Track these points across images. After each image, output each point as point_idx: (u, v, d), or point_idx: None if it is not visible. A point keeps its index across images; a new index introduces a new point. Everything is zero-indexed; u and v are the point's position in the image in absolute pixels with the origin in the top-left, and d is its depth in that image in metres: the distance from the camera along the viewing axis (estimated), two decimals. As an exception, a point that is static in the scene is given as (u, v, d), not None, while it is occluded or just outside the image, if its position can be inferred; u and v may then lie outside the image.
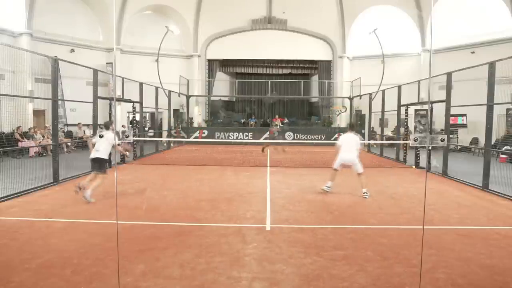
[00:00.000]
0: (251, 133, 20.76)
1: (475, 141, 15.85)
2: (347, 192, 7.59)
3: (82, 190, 6.57)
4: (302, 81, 24.42)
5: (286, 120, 23.04)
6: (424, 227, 4.84)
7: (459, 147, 16.37)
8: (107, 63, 19.34)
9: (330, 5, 21.46)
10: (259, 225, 5.24)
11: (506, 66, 7.69)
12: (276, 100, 24.53)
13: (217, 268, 3.74)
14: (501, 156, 12.59)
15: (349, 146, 7.49)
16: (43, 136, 14.35)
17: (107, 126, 7.39)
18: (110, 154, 7.22)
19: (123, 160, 11.97)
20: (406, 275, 3.62)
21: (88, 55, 18.29)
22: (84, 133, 16.80)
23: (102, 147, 6.76)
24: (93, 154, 6.74)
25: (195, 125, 21.98)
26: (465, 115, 15.79)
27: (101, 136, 6.84)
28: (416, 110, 17.11)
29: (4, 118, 12.44)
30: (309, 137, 20.32)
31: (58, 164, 8.22)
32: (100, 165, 6.77)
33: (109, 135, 6.83)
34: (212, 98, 23.82)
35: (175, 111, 20.83)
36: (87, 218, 5.48)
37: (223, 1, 21.55)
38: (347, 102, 21.49)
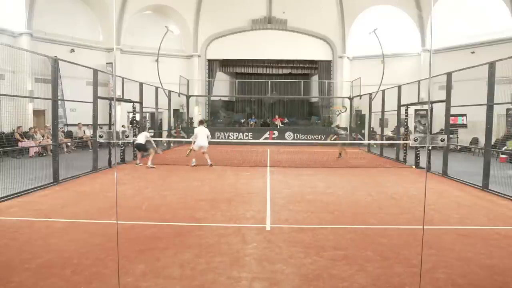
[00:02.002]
0: (251, 133, 20.78)
1: (475, 141, 15.85)
2: (347, 192, 7.60)
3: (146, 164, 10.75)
4: (302, 81, 24.39)
5: (286, 120, 23.04)
6: (424, 227, 4.84)
7: (459, 147, 16.36)
8: (107, 63, 19.34)
9: (330, 5, 21.45)
10: (259, 225, 5.23)
11: (506, 66, 7.68)
12: (276, 100, 24.52)
13: (217, 268, 3.74)
14: (501, 156, 12.60)
15: (203, 135, 10.96)
16: (43, 136, 14.34)
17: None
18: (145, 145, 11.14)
19: (123, 160, 11.99)
20: (406, 275, 3.62)
21: (88, 55, 18.29)
22: (84, 133, 16.80)
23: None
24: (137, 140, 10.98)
25: (195, 125, 21.96)
26: (465, 115, 15.78)
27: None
28: (416, 110, 17.09)
29: (4, 118, 12.45)
30: (309, 137, 20.33)
31: (58, 164, 8.23)
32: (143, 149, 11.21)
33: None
34: (212, 98, 23.80)
35: (175, 111, 20.83)
36: (87, 218, 5.48)
37: (223, 1, 21.54)
38: (347, 102, 21.47)
